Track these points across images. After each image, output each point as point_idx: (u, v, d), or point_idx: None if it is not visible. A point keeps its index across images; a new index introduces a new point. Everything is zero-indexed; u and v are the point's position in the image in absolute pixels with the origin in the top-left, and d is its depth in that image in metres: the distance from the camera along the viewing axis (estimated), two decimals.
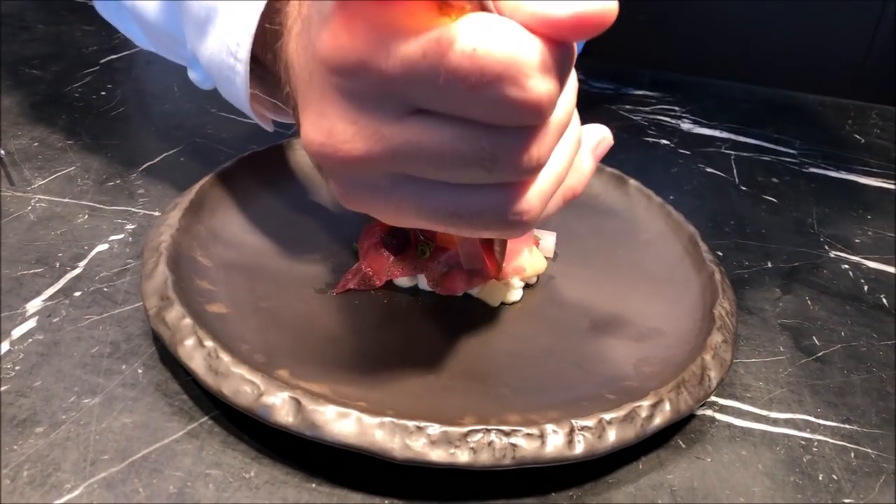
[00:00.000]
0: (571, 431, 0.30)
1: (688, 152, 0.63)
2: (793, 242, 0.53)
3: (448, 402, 0.33)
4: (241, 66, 0.37)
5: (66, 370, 0.34)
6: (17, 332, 0.36)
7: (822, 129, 0.71)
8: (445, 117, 0.23)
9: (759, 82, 0.79)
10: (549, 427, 0.30)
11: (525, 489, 0.32)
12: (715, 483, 0.33)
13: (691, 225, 0.46)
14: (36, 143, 0.51)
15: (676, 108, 0.71)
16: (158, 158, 0.52)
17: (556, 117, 0.25)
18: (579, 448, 0.30)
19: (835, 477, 0.34)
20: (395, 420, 0.29)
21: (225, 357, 0.31)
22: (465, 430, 0.30)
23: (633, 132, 0.66)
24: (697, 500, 0.32)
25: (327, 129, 0.25)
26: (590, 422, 0.31)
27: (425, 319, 0.39)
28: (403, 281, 0.41)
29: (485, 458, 0.29)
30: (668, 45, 1.01)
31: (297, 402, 0.30)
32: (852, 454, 0.36)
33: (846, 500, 0.33)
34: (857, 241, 0.54)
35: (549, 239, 0.44)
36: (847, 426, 0.37)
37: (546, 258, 0.44)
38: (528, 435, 0.30)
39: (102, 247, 0.42)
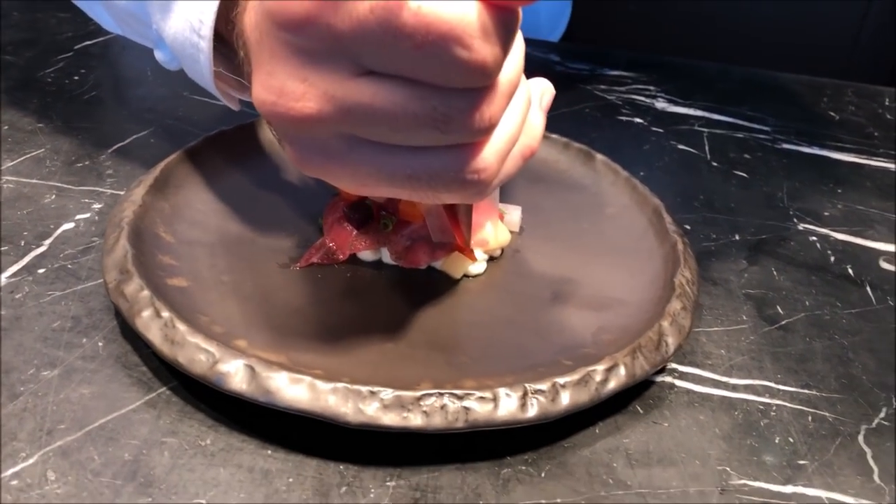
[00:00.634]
0: (525, 395, 0.31)
1: (661, 130, 0.63)
2: (761, 216, 0.53)
3: (406, 371, 0.33)
4: (205, 44, 0.37)
5: (26, 344, 0.34)
6: None
7: (798, 106, 0.71)
8: (397, 79, 0.24)
9: (739, 62, 0.79)
10: (503, 391, 0.31)
11: (481, 455, 0.32)
12: (671, 446, 0.33)
13: (657, 198, 0.46)
14: (6, 127, 0.51)
15: (651, 88, 0.71)
16: (128, 140, 0.52)
17: (506, 77, 0.25)
18: (532, 411, 0.31)
19: (791, 440, 0.35)
20: (348, 385, 0.30)
21: (181, 327, 0.31)
22: (418, 394, 0.30)
23: (606, 111, 0.66)
24: (652, 462, 0.32)
25: (278, 87, 0.25)
26: (543, 385, 0.31)
27: (387, 291, 0.39)
28: (367, 255, 0.41)
29: (437, 421, 0.30)
30: (651, 29, 1.02)
31: (252, 370, 0.30)
32: (810, 418, 0.36)
33: (801, 461, 0.34)
34: (826, 213, 0.54)
35: (514, 213, 0.45)
36: (806, 391, 0.38)
37: (511, 232, 0.44)
38: (482, 398, 0.30)
39: (68, 225, 0.42)
